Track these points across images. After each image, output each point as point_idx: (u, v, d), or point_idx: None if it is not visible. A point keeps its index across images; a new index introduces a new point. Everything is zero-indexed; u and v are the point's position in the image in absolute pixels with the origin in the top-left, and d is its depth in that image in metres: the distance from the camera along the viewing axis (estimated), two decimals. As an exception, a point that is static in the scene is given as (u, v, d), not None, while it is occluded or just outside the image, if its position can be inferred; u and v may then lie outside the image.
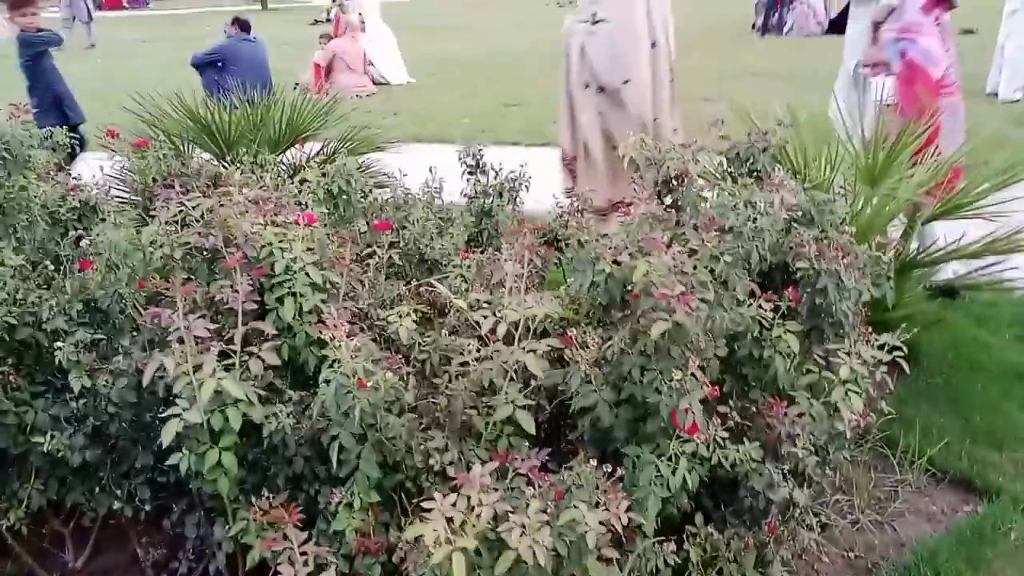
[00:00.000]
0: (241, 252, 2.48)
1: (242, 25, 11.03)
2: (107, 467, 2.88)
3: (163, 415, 2.28)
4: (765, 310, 2.49)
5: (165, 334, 2.73)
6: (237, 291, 2.38)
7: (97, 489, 2.98)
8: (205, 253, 2.61)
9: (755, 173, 3.32)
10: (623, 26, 4.88)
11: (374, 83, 13.68)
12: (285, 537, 1.99)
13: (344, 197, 3.65)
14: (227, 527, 2.54)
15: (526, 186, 4.37)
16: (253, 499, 2.49)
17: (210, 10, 24.98)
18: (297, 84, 12.45)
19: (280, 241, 2.58)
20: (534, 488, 1.99)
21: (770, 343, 2.65)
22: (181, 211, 2.66)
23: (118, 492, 2.91)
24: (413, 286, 3.45)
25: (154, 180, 4.20)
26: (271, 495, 2.49)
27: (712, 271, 2.32)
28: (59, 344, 2.58)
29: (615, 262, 2.28)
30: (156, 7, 26.31)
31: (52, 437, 2.70)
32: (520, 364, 2.37)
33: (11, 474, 3.02)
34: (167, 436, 2.19)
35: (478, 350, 2.50)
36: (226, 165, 4.77)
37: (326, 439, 2.39)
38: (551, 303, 2.45)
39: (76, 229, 3.55)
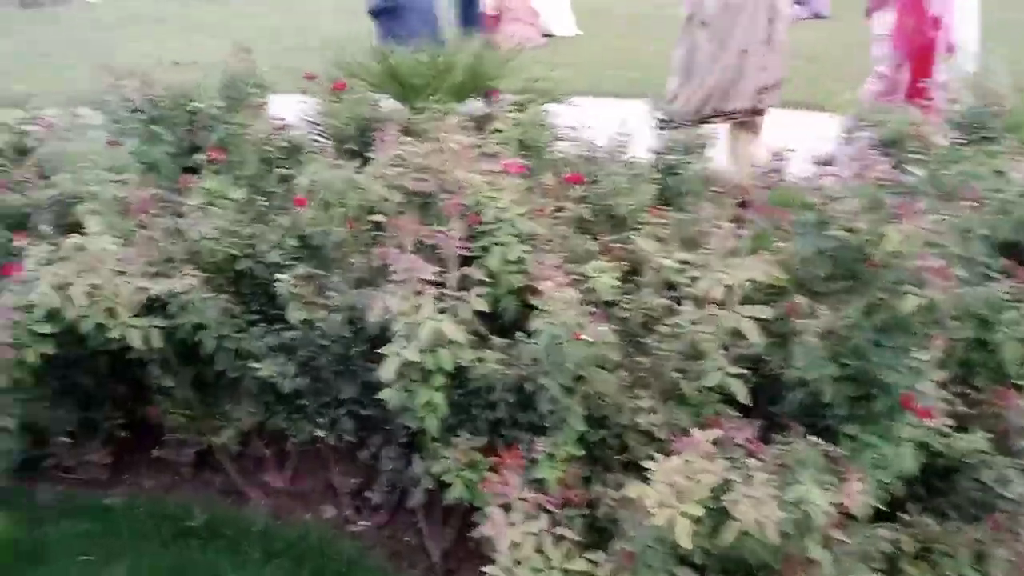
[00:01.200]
0: (456, 199, 2.51)
1: (417, -27, 11.13)
2: (312, 396, 3.04)
3: (378, 351, 2.35)
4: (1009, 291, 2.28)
5: (376, 273, 2.84)
6: (451, 236, 2.41)
7: (300, 416, 3.16)
8: (419, 197, 2.66)
9: (984, 140, 3.05)
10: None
11: (542, 35, 13.58)
12: (503, 482, 2.02)
13: (536, 147, 3.64)
14: (429, 464, 2.62)
15: (712, 143, 4.22)
16: (454, 439, 2.56)
17: (379, -42, 25.46)
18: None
19: (489, 190, 2.59)
20: (755, 459, 1.92)
21: (1001, 326, 2.44)
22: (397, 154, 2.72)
23: (320, 421, 3.07)
24: (603, 242, 3.41)
25: (346, 124, 4.35)
26: (471, 436, 2.56)
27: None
28: (281, 276, 2.72)
29: (848, 229, 2.14)
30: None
31: (267, 363, 2.87)
32: (733, 330, 2.29)
33: (225, 396, 3.25)
34: (388, 372, 2.27)
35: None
36: (415, 111, 4.84)
37: (529, 386, 2.41)
38: (765, 267, 2.34)
39: (281, 167, 3.74)
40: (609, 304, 2.61)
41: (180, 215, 3.05)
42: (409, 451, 2.96)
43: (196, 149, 3.34)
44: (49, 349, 2.92)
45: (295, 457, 3.44)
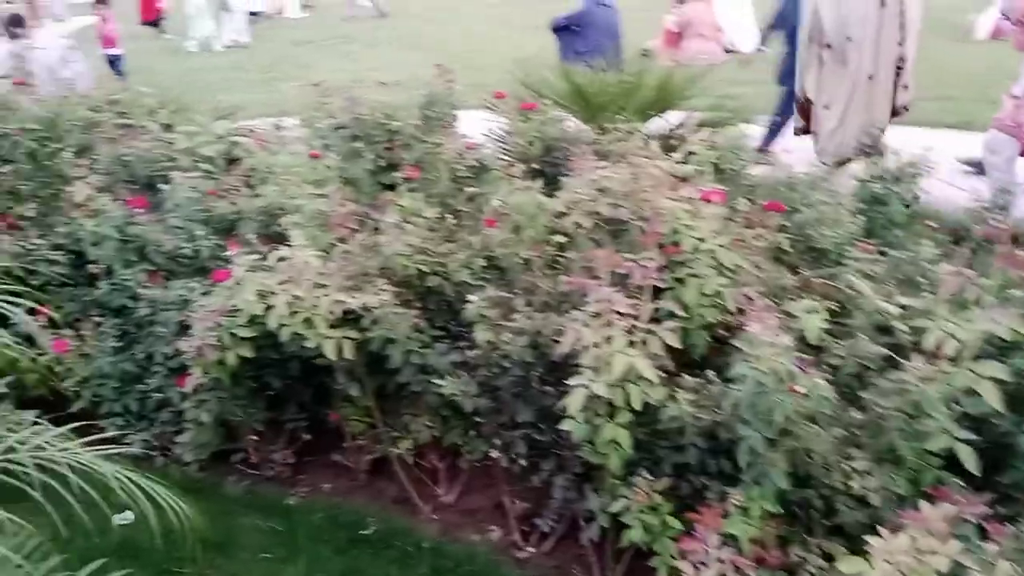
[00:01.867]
0: (652, 227, 2.39)
1: (599, -11, 11.10)
2: (489, 416, 3.02)
3: (560, 377, 2.27)
4: None
5: (561, 298, 2.77)
6: (646, 266, 2.30)
7: (475, 435, 3.16)
8: (612, 224, 2.57)
9: None
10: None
11: (724, 51, 13.20)
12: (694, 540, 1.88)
13: (732, 172, 3.46)
14: (605, 501, 2.52)
15: (927, 174, 3.86)
16: (635, 478, 2.44)
17: (558, -25, 25.80)
18: (645, 51, 12.35)
19: (688, 218, 2.46)
20: (992, 542, 1.68)
21: None
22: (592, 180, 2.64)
23: (495, 441, 3.04)
24: (803, 276, 3.18)
25: (531, 143, 4.34)
26: (653, 477, 2.43)
27: None
28: (471, 298, 2.70)
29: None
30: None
31: (450, 381, 2.87)
32: (965, 389, 2.03)
33: (405, 408, 3.30)
34: (573, 404, 2.19)
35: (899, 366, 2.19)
36: (599, 131, 4.77)
37: (725, 433, 2.26)
38: (1011, 320, 2.06)
39: (470, 186, 3.76)
40: (817, 348, 2.41)
41: (376, 231, 3.12)
42: (583, 482, 2.87)
43: (394, 167, 3.42)
44: (248, 352, 3.07)
45: (467, 474, 3.44)
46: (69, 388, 3.66)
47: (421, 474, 3.50)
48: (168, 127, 5.08)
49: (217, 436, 3.55)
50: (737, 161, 3.36)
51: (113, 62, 10.16)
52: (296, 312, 2.67)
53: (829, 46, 5.36)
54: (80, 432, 2.23)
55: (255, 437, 3.60)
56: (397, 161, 3.43)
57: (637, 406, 2.20)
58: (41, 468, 1.95)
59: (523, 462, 2.98)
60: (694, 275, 2.43)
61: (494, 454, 3.04)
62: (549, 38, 11.53)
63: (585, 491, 2.81)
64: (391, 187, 3.43)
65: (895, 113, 5.62)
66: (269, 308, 2.75)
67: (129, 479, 2.05)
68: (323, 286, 2.74)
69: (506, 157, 4.78)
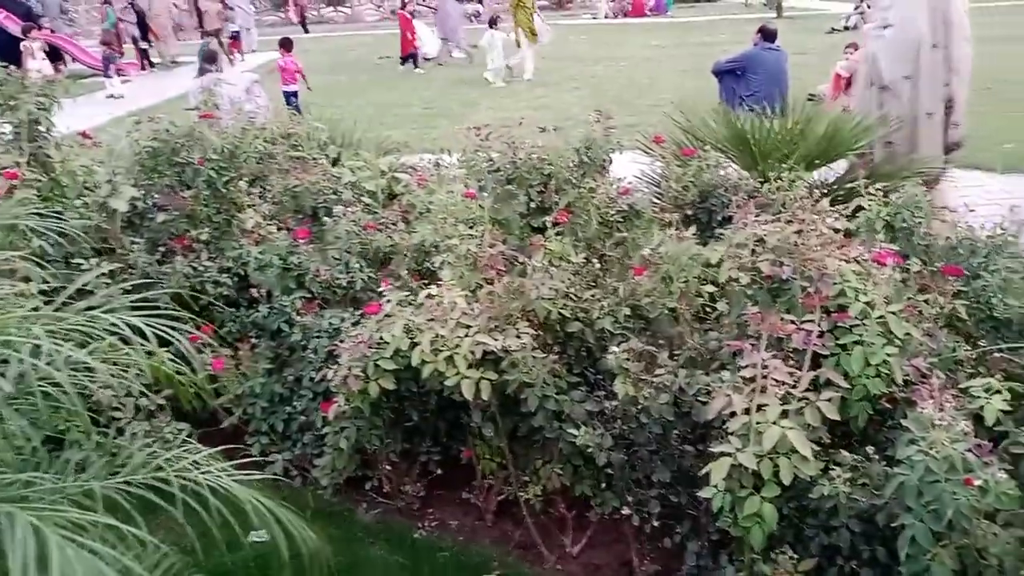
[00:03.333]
0: (819, 289, 2.23)
1: (766, 34, 10.83)
2: (623, 471, 2.91)
3: (712, 448, 2.14)
4: None
5: (711, 356, 2.64)
6: (808, 331, 2.14)
7: (606, 487, 3.05)
8: (772, 282, 2.43)
9: None
10: (906, 29, 5.47)
11: (895, 98, 12.51)
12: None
13: (906, 231, 3.21)
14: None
15: None
16: (777, 555, 2.26)
17: (724, 17, 25.46)
18: (813, 95, 11.89)
19: (857, 281, 2.28)
20: None
21: None
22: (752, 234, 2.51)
23: (628, 498, 2.93)
24: (980, 350, 2.88)
25: (686, 188, 4.23)
26: (797, 556, 2.25)
27: None
28: (613, 348, 2.62)
29: None
30: (675, 14, 27.61)
31: (584, 431, 2.79)
32: None
33: (536, 452, 3.24)
34: (716, 474, 2.05)
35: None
36: (760, 180, 4.59)
37: (883, 518, 2.05)
38: None
39: (619, 231, 3.69)
40: (997, 433, 2.15)
41: (523, 274, 3.10)
42: (719, 548, 2.70)
43: (545, 210, 3.41)
44: (390, 384, 3.11)
45: (595, 526, 3.33)
46: (221, 405, 3.86)
47: (548, 521, 3.42)
48: (336, 161, 5.36)
49: (353, 463, 3.62)
50: (912, 219, 3.11)
51: (289, 97, 10.87)
52: (439, 350, 2.68)
53: (886, 88, 5.55)
54: (227, 452, 2.32)
55: (389, 467, 3.65)
56: (549, 204, 3.41)
57: (787, 481, 2.04)
58: (184, 487, 2.03)
59: (656, 522, 2.85)
60: (860, 342, 2.24)
61: (625, 511, 2.92)
62: (709, 81, 11.35)
63: (721, 559, 2.65)
64: (541, 230, 3.41)
65: (948, 150, 5.68)
66: (415, 344, 2.78)
67: (264, 505, 2.10)
68: (467, 326, 2.74)
69: (659, 202, 4.70)
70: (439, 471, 3.64)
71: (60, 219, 4.23)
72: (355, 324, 3.39)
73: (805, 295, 2.20)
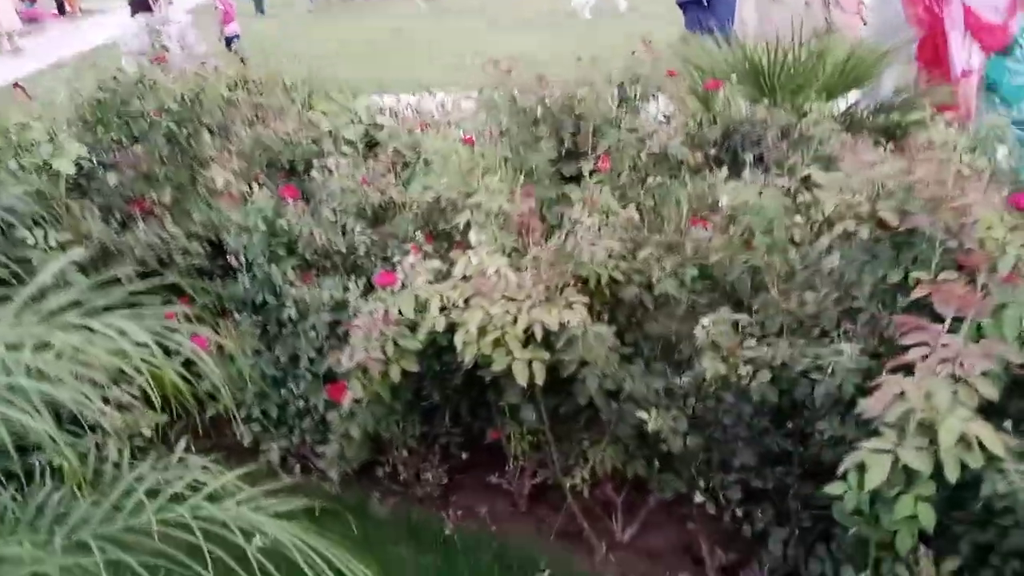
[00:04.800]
0: (959, 242, 1.85)
1: (729, -38, 10.34)
2: (694, 455, 2.54)
3: (855, 445, 1.77)
4: None
5: (813, 322, 2.26)
6: (964, 295, 1.76)
7: (667, 471, 2.69)
8: (894, 233, 2.03)
9: None
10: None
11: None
12: None
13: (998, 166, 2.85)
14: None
15: None
16: (919, 556, 1.93)
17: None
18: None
19: (1003, 230, 1.91)
20: None
21: None
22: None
23: (702, 483, 2.57)
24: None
25: (701, 125, 3.81)
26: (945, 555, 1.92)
27: None
28: (704, 323, 2.22)
29: None
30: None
31: (656, 415, 2.40)
32: None
33: (584, 433, 2.85)
34: (875, 474, 1.68)
35: None
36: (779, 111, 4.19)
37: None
38: None
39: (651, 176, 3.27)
40: None
41: (561, 231, 2.67)
42: (814, 540, 2.38)
43: (576, 155, 2.95)
44: (413, 366, 2.68)
45: (645, 509, 2.98)
46: (205, 391, 3.36)
47: (592, 505, 3.05)
48: (303, 106, 4.77)
49: (365, 450, 3.19)
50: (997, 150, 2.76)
51: (231, 40, 10.02)
52: (486, 330, 2.24)
53: None
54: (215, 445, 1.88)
55: (406, 452, 3.23)
56: (584, 148, 2.95)
57: (952, 478, 1.68)
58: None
59: (738, 511, 2.50)
60: (1005, 305, 1.87)
61: (698, 499, 2.56)
62: (676, 26, 10.82)
63: (818, 550, 2.32)
64: (574, 179, 2.96)
65: None
66: (451, 323, 2.34)
67: (304, 541, 1.67)
68: (512, 299, 2.30)
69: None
70: (464, 456, 3.24)
71: (-6, 185, 3.63)
72: (364, 297, 2.92)
73: (963, 252, 1.81)
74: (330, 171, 3.26)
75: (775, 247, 2.27)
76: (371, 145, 4.43)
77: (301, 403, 3.29)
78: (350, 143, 4.23)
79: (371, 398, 2.77)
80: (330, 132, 3.95)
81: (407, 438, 3.19)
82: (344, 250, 3.11)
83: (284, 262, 3.14)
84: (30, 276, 3.39)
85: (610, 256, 2.51)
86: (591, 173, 2.84)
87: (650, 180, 3.18)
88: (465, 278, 2.44)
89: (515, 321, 2.20)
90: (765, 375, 2.12)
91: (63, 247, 3.44)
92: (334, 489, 3.30)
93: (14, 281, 3.43)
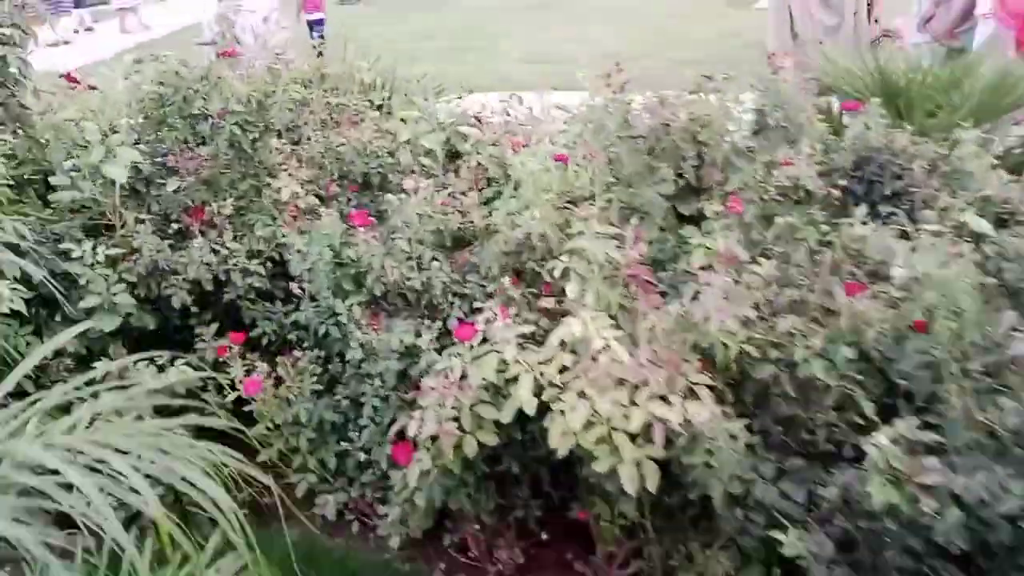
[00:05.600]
0: None
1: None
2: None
3: None
4: None
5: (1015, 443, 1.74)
6: None
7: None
8: None
9: None
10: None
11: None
12: None
13: None
14: None
15: None
16: None
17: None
18: (888, 33, 10.68)
19: None
20: None
21: None
22: None
23: None
24: None
25: (828, 151, 3.26)
26: None
27: None
28: (879, 440, 1.71)
29: None
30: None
31: (795, 535, 1.91)
32: None
33: (696, 533, 2.38)
34: None
35: None
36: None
37: None
38: None
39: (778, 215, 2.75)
40: None
41: (675, 287, 2.20)
42: None
43: (698, 191, 2.47)
44: (492, 438, 2.26)
45: None
46: (257, 434, 3.01)
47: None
48: (380, 108, 4.39)
49: (430, 519, 2.78)
50: None
51: (313, 27, 9.68)
52: (592, 426, 1.79)
53: None
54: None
55: (477, 526, 2.80)
56: (709, 184, 2.46)
57: None
58: None
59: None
60: None
61: None
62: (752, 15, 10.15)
63: None
64: (693, 220, 2.48)
65: None
66: (544, 404, 1.89)
67: None
68: (623, 381, 1.84)
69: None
70: (544, 536, 2.80)
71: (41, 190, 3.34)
72: (439, 348, 2.51)
73: None
74: (407, 194, 2.84)
75: (963, 333, 1.75)
76: (452, 155, 4.02)
77: (362, 455, 2.90)
78: (430, 153, 3.82)
79: (440, 470, 2.36)
80: (408, 142, 3.54)
81: (479, 510, 2.77)
82: (419, 288, 2.70)
83: (351, 296, 2.75)
84: (76, 293, 3.08)
85: (742, 326, 2.02)
86: (718, 215, 2.35)
87: (778, 219, 2.67)
88: (562, 343, 1.99)
89: (627, 416, 1.74)
90: (954, 513, 1.61)
91: (113, 263, 3.13)
92: (394, 555, 2.91)
93: (61, 298, 3.15)
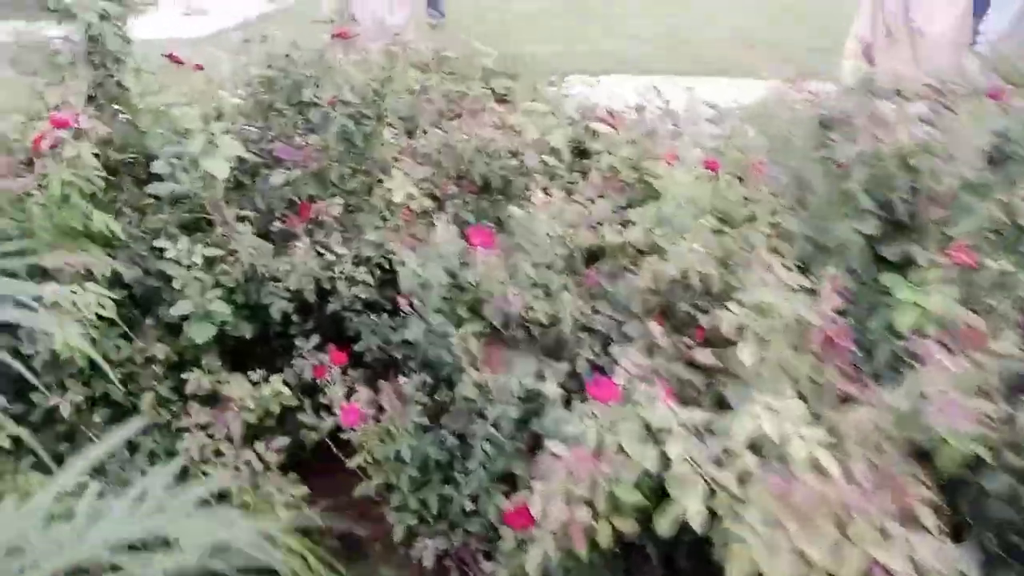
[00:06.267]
0: None
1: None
2: None
3: None
4: None
5: None
6: None
7: None
8: None
9: None
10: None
11: None
12: None
13: None
14: None
15: None
16: None
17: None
18: None
19: None
20: None
21: None
22: None
23: None
24: None
25: None
26: None
27: None
28: None
29: None
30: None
31: None
32: None
33: None
34: None
35: None
36: None
37: None
38: None
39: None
40: None
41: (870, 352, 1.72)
42: None
43: (908, 231, 1.96)
44: (629, 526, 1.86)
45: None
46: (356, 465, 2.70)
47: None
48: (503, 99, 3.99)
49: (544, 584, 2.41)
50: None
51: (434, 2, 9.29)
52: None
53: None
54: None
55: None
56: (923, 223, 1.96)
57: None
58: None
59: None
60: None
61: None
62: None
63: None
64: (895, 266, 1.98)
65: None
66: (713, 510, 1.47)
67: None
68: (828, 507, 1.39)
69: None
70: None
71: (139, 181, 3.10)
72: (566, 395, 2.11)
73: None
74: (534, 206, 2.44)
75: None
76: (579, 152, 3.60)
77: (469, 503, 2.55)
78: (554, 151, 3.40)
79: (564, 557, 1.97)
80: (535, 141, 3.13)
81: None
82: (545, 322, 2.30)
83: (465, 324, 2.38)
84: (169, 294, 2.82)
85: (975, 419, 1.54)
86: (935, 264, 1.85)
87: (990, 263, 2.13)
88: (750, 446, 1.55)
89: (839, 559, 1.30)
90: None
91: (210, 263, 2.87)
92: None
93: (159, 302, 2.92)
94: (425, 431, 2.62)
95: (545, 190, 2.46)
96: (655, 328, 2.10)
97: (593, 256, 2.84)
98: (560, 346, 2.33)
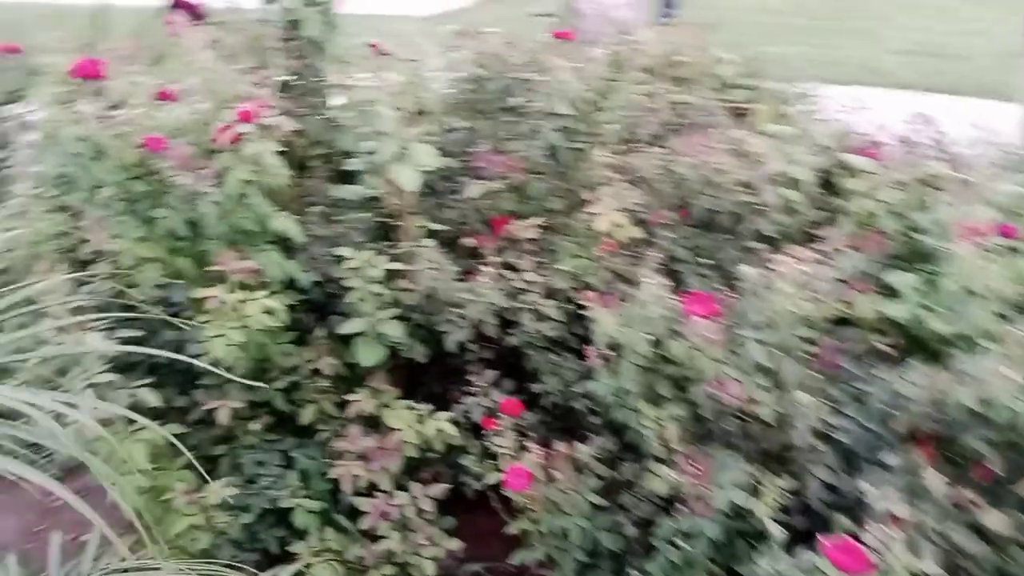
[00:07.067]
0: None
1: None
2: None
3: None
4: None
5: None
6: None
7: None
8: None
9: None
10: None
11: None
12: None
13: None
14: None
15: None
16: None
17: None
18: None
19: None
20: None
21: None
22: None
23: None
24: None
25: None
26: None
27: None
28: None
29: None
30: None
31: None
32: None
33: None
34: None
35: None
36: None
37: None
38: None
39: None
40: None
41: None
42: None
43: None
44: None
45: None
46: (522, 529, 2.34)
47: None
48: (740, 111, 3.45)
49: None
50: None
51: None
52: None
53: None
54: None
55: None
56: None
57: None
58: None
59: None
60: None
61: None
62: None
63: None
64: None
65: None
66: None
67: None
68: None
69: None
70: None
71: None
72: (786, 529, 1.63)
73: None
74: (769, 276, 1.93)
75: None
76: (825, 185, 3.00)
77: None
78: (793, 183, 2.84)
79: None
80: (778, 176, 2.60)
81: None
82: (769, 421, 1.81)
83: (665, 405, 1.94)
84: (342, 305, 2.57)
85: None
86: None
87: None
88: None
89: None
90: None
91: (390, 276, 2.61)
92: None
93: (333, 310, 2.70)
94: (600, 510, 2.22)
95: (791, 255, 1.94)
96: (921, 459, 1.56)
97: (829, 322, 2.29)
98: (785, 455, 1.83)
